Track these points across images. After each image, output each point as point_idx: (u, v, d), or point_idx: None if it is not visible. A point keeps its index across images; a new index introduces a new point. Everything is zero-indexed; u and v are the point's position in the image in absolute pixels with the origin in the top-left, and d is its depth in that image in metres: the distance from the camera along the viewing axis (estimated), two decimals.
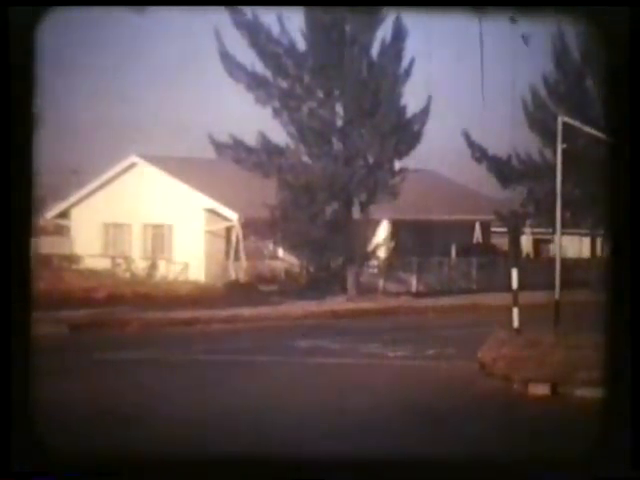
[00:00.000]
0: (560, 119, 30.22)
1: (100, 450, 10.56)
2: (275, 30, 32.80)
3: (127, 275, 37.02)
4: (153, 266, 37.03)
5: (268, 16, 32.61)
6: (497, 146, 40.60)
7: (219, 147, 33.27)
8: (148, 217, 38.02)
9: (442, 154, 42.99)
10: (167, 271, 36.92)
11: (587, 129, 35.45)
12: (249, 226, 35.94)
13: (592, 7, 8.58)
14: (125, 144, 41.04)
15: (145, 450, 10.73)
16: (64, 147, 37.17)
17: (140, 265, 37.30)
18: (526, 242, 48.55)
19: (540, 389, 15.37)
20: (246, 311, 28.75)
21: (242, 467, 9.42)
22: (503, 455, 10.76)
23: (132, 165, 39.28)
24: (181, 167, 38.16)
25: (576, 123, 34.11)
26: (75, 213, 41.20)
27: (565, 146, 29.83)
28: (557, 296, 25.93)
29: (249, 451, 11.13)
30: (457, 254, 41.59)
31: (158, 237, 38.69)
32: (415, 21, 32.50)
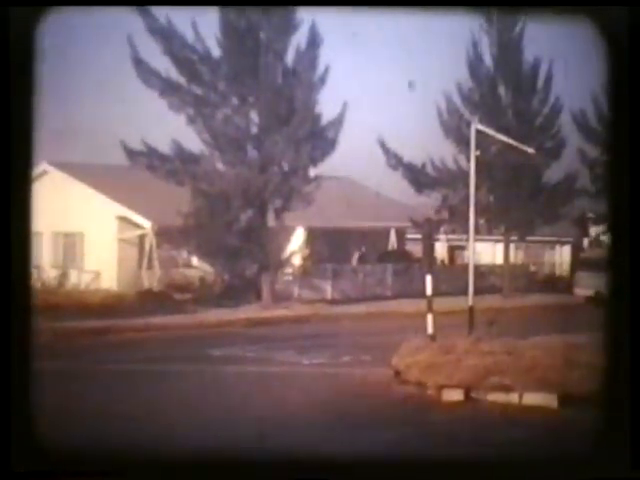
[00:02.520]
0: (473, 126, 30.38)
1: (100, 450, 10.45)
2: (189, 36, 32.55)
3: (37, 284, 36.33)
4: (64, 275, 36.39)
5: (182, 22, 32.36)
6: (412, 153, 40.82)
7: (132, 154, 32.86)
8: (59, 225, 37.38)
9: (357, 161, 43.12)
10: (79, 280, 36.34)
11: (500, 136, 35.84)
12: (163, 234, 35.57)
13: (592, 7, 8.59)
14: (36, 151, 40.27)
15: (145, 450, 10.63)
16: None
17: (51, 274, 36.65)
18: (441, 249, 48.86)
19: (454, 394, 15.40)
20: (159, 320, 28.40)
21: (242, 467, 9.49)
22: (503, 455, 10.70)
23: (43, 173, 38.60)
24: (93, 174, 37.63)
25: (489, 130, 34.41)
26: None
27: (479, 153, 29.98)
28: (471, 302, 26.04)
29: (249, 451, 11.02)
30: (363, 261, 41.72)
31: (69, 245, 38.10)
32: (333, 26, 32.58)
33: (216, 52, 33.22)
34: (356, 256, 42.29)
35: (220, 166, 33.71)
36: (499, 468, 9.41)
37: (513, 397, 15.06)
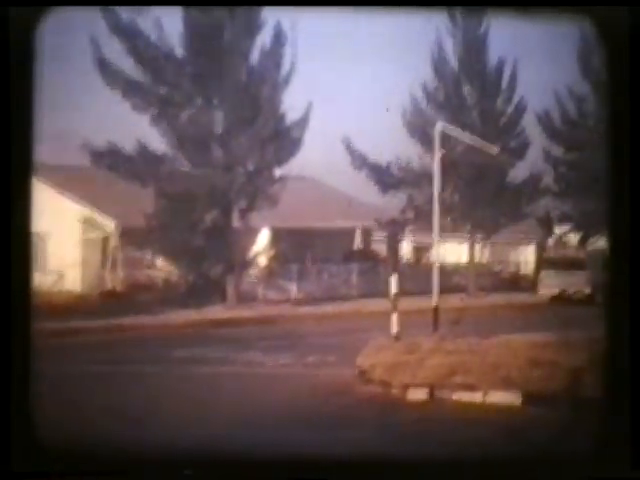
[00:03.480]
0: (438, 126, 30.43)
1: (100, 450, 10.33)
2: (153, 36, 32.35)
3: None
4: None
5: (146, 22, 32.16)
6: (377, 153, 40.80)
7: (95, 155, 32.62)
8: None
9: (323, 161, 43.07)
10: (42, 281, 36.01)
11: (465, 136, 35.92)
12: (127, 235, 35.35)
13: (592, 7, 8.58)
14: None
15: (145, 450, 10.58)
16: None
17: None
18: (406, 248, 48.89)
19: (418, 394, 15.37)
20: (123, 321, 28.21)
21: (242, 467, 9.45)
22: (503, 455, 10.67)
23: None
24: (56, 175, 37.31)
25: (454, 130, 34.47)
26: None
27: (443, 153, 30.02)
28: (435, 301, 26.06)
29: (249, 451, 10.99)
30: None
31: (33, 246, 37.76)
32: (298, 26, 32.51)
33: (180, 52, 33.10)
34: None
35: (184, 166, 33.56)
36: (499, 468, 9.41)
37: (477, 396, 15.05)
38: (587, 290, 39.35)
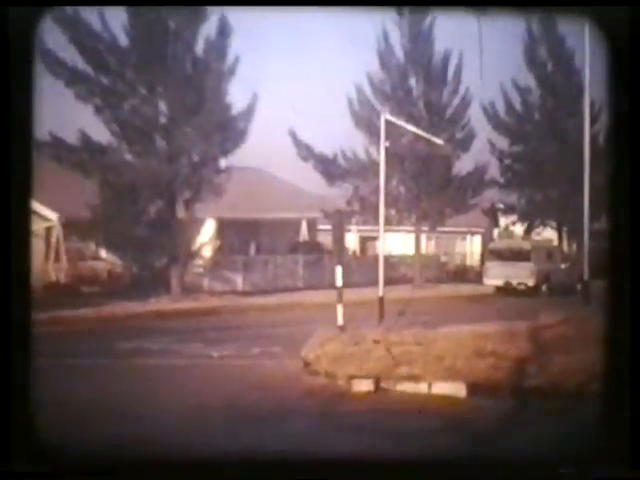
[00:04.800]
0: (383, 117, 30.42)
1: (100, 450, 10.29)
2: (96, 25, 31.96)
3: None
4: None
5: (88, 10, 31.73)
6: (323, 144, 40.78)
7: (37, 145, 32.09)
8: None
9: (268, 152, 42.94)
10: None
11: (411, 127, 35.98)
12: (70, 226, 34.97)
13: (592, 7, 8.55)
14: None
15: (145, 450, 10.51)
16: None
17: None
18: (352, 240, 48.97)
19: (363, 385, 15.32)
20: (67, 313, 27.88)
21: (242, 467, 9.34)
22: (503, 455, 10.62)
23: None
24: None
25: (400, 121, 34.51)
26: None
27: (388, 144, 30.02)
28: (381, 292, 26.08)
29: (248, 451, 10.93)
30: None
31: None
32: (243, 18, 32.30)
33: (124, 41, 32.71)
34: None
35: (128, 157, 33.24)
36: (499, 468, 9.39)
37: (422, 387, 15.04)
38: (531, 282, 39.64)
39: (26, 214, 8.71)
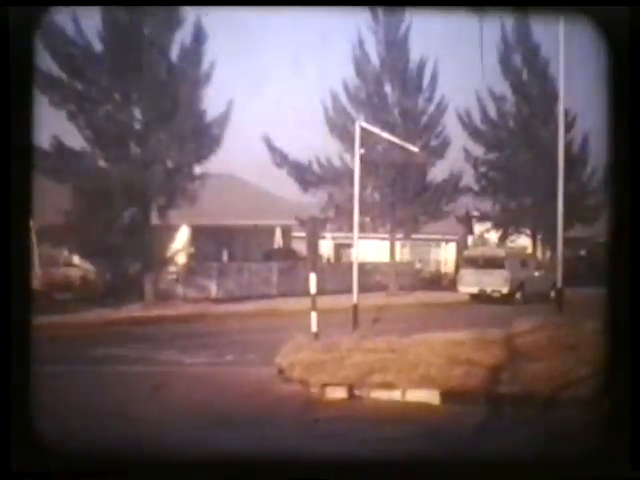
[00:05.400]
0: (358, 124, 30.40)
1: (100, 450, 10.24)
2: (70, 31, 31.81)
3: None
4: None
5: (63, 16, 31.60)
6: (298, 151, 40.77)
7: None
8: None
9: (243, 159, 42.93)
10: None
11: (386, 134, 35.98)
12: (43, 232, 34.70)
13: (592, 7, 8.56)
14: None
15: (145, 450, 10.48)
16: None
17: None
18: (327, 247, 48.95)
19: (337, 392, 15.28)
20: (39, 320, 27.61)
21: (242, 467, 9.39)
22: (503, 456, 10.58)
23: None
24: None
25: (375, 128, 34.50)
26: None
27: (363, 151, 30.00)
28: (355, 300, 26.03)
29: (248, 451, 10.93)
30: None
31: None
32: (219, 23, 32.27)
33: (98, 47, 32.59)
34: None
35: (102, 163, 33.10)
36: (500, 468, 9.38)
37: (396, 394, 15.01)
38: (505, 289, 39.70)
39: (26, 217, 8.87)
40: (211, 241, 39.41)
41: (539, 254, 46.24)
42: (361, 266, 29.84)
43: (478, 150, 46.36)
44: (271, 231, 44.77)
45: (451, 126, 43.60)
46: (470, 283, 40.29)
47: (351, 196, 31.08)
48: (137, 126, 33.23)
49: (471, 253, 43.69)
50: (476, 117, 45.96)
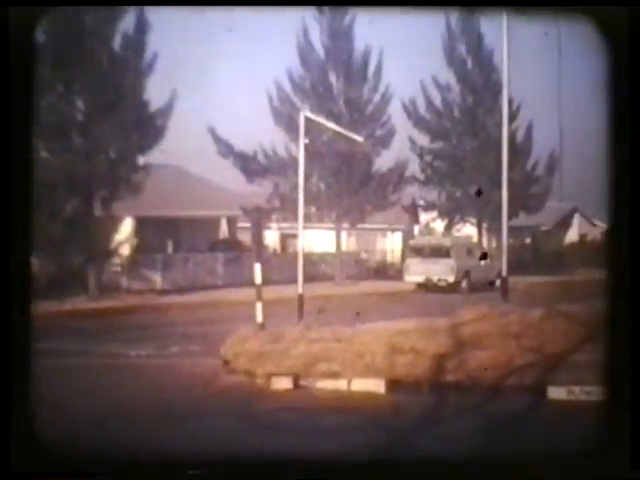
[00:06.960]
0: (302, 114, 30.28)
1: (100, 450, 10.22)
2: None
3: None
4: None
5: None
6: (243, 141, 40.60)
7: None
8: None
9: (188, 149, 42.60)
10: None
11: (330, 124, 35.92)
12: None
13: (592, 7, 8.51)
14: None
15: (145, 450, 10.42)
16: None
17: None
18: (273, 237, 48.80)
19: (282, 383, 15.21)
20: None
21: (242, 467, 9.38)
22: (503, 456, 10.50)
23: None
24: None
25: (319, 118, 34.41)
26: None
27: (308, 141, 29.88)
28: (300, 290, 25.96)
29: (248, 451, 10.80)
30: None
31: None
32: (161, 14, 31.96)
33: (40, 37, 32.12)
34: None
35: (44, 154, 32.65)
36: (500, 468, 9.34)
37: (341, 384, 14.96)
38: (451, 278, 39.84)
39: (26, 212, 8.67)
40: (156, 232, 39.12)
41: (484, 243, 46.47)
42: (307, 256, 29.79)
43: (423, 139, 46.47)
44: (216, 222, 44.56)
45: (396, 116, 43.63)
46: (416, 272, 40.37)
47: (296, 186, 31.00)
48: (79, 116, 32.87)
49: (417, 242, 43.79)
50: (421, 106, 46.04)
